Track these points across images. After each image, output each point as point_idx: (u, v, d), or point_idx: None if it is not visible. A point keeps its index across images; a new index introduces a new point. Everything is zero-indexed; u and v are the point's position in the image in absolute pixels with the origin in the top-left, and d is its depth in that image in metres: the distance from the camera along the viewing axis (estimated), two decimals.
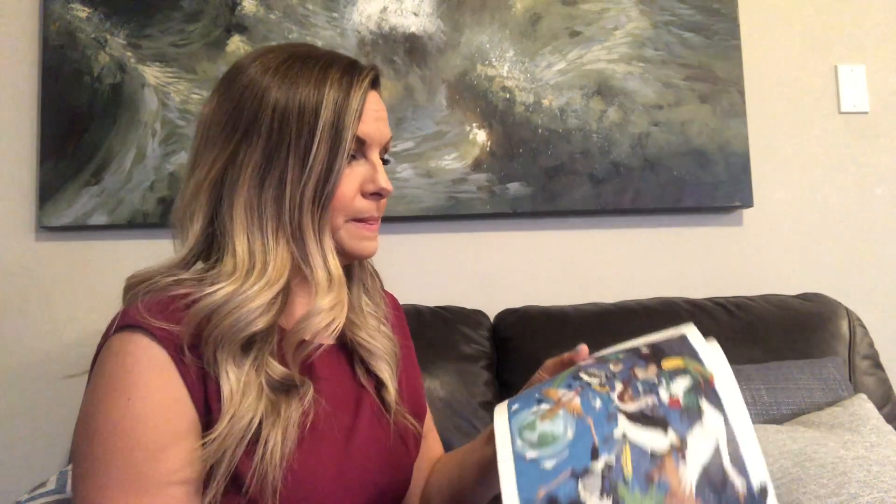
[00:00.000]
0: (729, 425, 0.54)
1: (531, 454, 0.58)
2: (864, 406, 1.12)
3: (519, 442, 0.59)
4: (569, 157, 1.53)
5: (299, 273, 0.68)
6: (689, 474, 0.53)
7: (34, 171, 1.50)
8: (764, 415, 1.16)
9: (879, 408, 1.16)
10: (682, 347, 0.63)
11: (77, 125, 1.49)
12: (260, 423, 0.61)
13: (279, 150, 0.66)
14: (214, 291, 0.62)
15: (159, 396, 0.59)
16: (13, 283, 1.49)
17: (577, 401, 0.61)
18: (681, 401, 0.57)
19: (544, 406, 0.61)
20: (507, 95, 1.54)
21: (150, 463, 0.57)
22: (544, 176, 1.52)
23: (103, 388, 0.60)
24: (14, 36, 1.53)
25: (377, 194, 0.72)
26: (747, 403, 1.17)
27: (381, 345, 0.78)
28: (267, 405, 0.62)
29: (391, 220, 1.50)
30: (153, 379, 0.59)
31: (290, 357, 0.66)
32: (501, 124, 1.53)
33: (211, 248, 0.68)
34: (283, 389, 0.65)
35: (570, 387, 0.62)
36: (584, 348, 0.69)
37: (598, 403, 0.59)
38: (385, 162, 0.75)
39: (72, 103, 1.49)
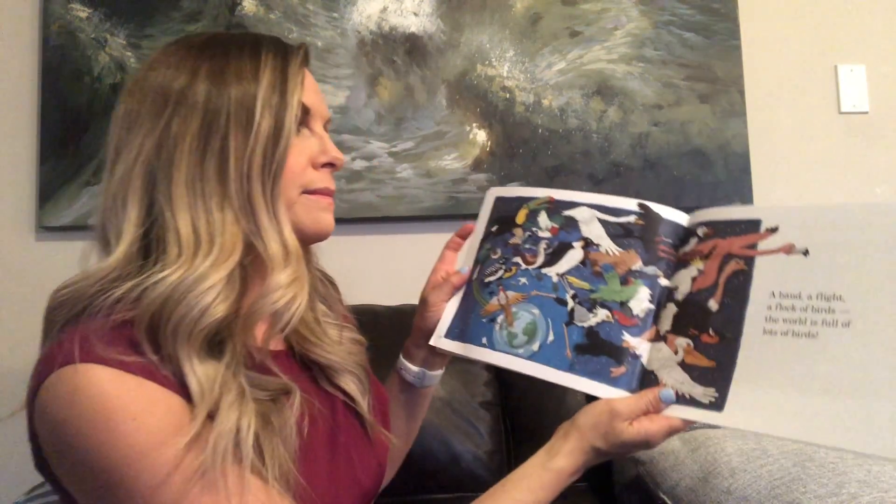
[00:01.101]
0: (589, 205, 0.73)
1: (534, 346, 0.70)
2: None
3: (521, 351, 0.71)
4: (569, 158, 1.53)
5: (252, 252, 0.61)
6: (607, 246, 0.71)
7: (34, 171, 1.50)
8: None
9: None
10: (511, 203, 0.80)
11: (77, 125, 1.48)
12: (256, 436, 0.55)
13: (217, 117, 0.60)
14: (159, 281, 0.55)
15: (165, 402, 0.53)
16: (13, 283, 1.49)
17: (510, 293, 0.74)
18: (555, 225, 0.75)
19: (500, 317, 0.74)
20: (507, 95, 1.54)
21: (191, 451, 0.52)
22: (544, 176, 1.52)
23: (91, 424, 0.50)
24: (14, 36, 1.53)
25: (330, 165, 0.69)
26: None
27: (343, 357, 0.73)
28: (256, 413, 0.56)
29: (391, 220, 1.51)
30: (143, 393, 0.52)
31: (244, 343, 0.59)
32: (501, 124, 1.53)
33: (150, 245, 0.59)
34: (270, 396, 0.59)
35: (492, 293, 0.76)
36: (462, 276, 0.80)
37: (523, 280, 0.74)
38: None
39: (72, 103, 1.49)
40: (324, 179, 0.68)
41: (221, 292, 0.57)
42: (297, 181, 0.65)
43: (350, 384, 0.73)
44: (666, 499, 1.02)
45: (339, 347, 0.73)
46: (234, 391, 0.55)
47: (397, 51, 1.54)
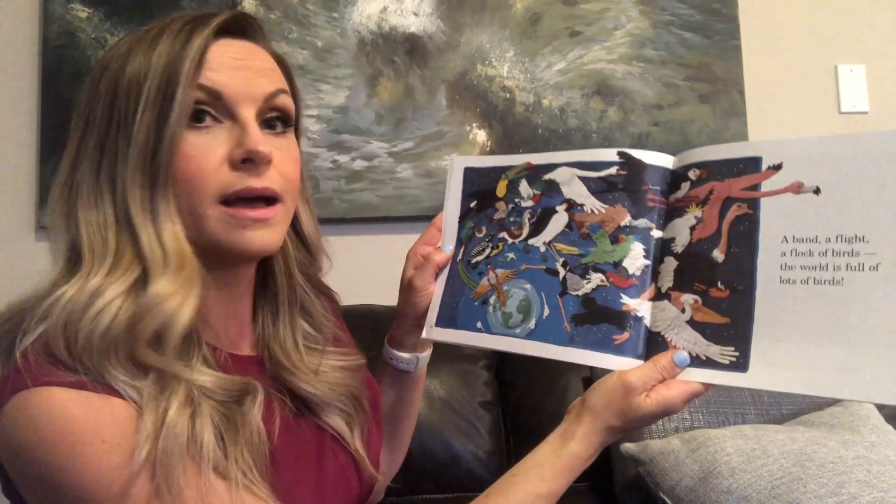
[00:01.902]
0: (568, 163, 0.68)
1: (531, 324, 0.66)
2: (864, 406, 1.12)
3: (518, 331, 0.67)
4: None
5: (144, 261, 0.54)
6: (592, 204, 0.66)
7: (34, 171, 1.50)
8: (764, 415, 1.16)
9: (879, 408, 1.16)
10: (486, 175, 0.75)
11: None
12: (219, 437, 0.52)
13: (109, 131, 0.55)
14: (54, 301, 0.52)
15: (127, 414, 0.49)
16: (13, 283, 1.49)
17: (499, 271, 0.70)
18: (537, 192, 0.70)
19: (492, 298, 0.70)
20: (507, 95, 1.54)
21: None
22: None
23: (56, 447, 0.48)
24: (14, 36, 1.53)
25: (248, 161, 0.55)
26: (747, 404, 1.17)
27: (321, 390, 0.65)
28: (217, 412, 0.53)
29: (391, 220, 1.51)
30: (108, 410, 0.49)
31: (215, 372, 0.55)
32: (501, 124, 1.53)
33: (74, 259, 0.56)
34: (230, 396, 0.55)
35: (482, 274, 0.71)
36: (446, 255, 0.74)
37: (510, 255, 0.70)
38: (287, 124, 0.61)
39: (72, 103, 1.49)
40: (243, 179, 0.55)
41: (123, 307, 0.51)
42: (207, 187, 0.55)
43: (333, 419, 0.65)
44: (666, 499, 1.02)
45: (318, 379, 0.65)
46: (179, 394, 0.51)
47: (397, 51, 1.54)
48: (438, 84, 1.53)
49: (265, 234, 0.57)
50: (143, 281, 0.54)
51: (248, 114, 0.56)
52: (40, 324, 0.52)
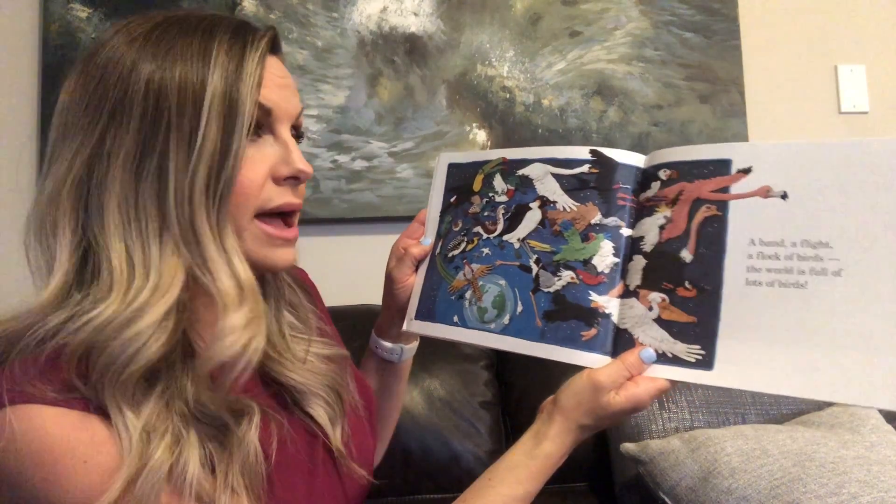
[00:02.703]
0: (542, 160, 0.70)
1: (505, 319, 0.67)
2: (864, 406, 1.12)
3: (492, 326, 0.68)
4: None
5: (196, 286, 0.53)
6: (564, 202, 0.67)
7: (34, 171, 1.50)
8: (764, 415, 1.16)
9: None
10: (466, 170, 0.77)
11: None
12: (209, 462, 0.51)
13: (156, 131, 0.52)
14: (87, 321, 0.49)
15: (110, 444, 0.48)
16: (12, 285, 1.49)
17: (475, 266, 0.71)
18: (511, 187, 0.72)
19: (468, 293, 0.71)
20: (508, 95, 1.54)
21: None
22: None
23: (36, 467, 0.47)
24: (14, 36, 1.53)
25: (293, 178, 0.58)
26: (747, 404, 1.17)
27: (308, 379, 0.64)
28: (209, 437, 0.52)
29: (391, 220, 1.51)
30: (88, 431, 0.48)
31: (209, 392, 0.54)
32: (501, 124, 1.53)
33: (85, 271, 0.53)
34: (218, 421, 0.53)
35: (458, 268, 0.73)
36: (424, 248, 0.76)
37: (486, 251, 0.71)
38: (299, 139, 0.62)
39: None
40: (284, 195, 0.58)
41: (156, 333, 0.50)
42: (251, 201, 0.55)
43: (317, 409, 0.64)
44: (666, 499, 1.02)
45: (304, 367, 0.65)
46: (170, 431, 0.50)
47: (397, 51, 1.54)
48: (438, 84, 1.53)
49: (290, 252, 0.60)
50: (184, 304, 0.52)
51: (288, 130, 0.59)
52: (44, 342, 0.49)
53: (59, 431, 0.47)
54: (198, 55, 0.53)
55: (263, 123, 0.57)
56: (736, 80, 1.57)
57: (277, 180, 0.57)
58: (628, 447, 1.10)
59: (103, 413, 0.49)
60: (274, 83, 0.57)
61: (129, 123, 0.52)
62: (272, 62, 0.58)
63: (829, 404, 1.16)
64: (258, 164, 0.56)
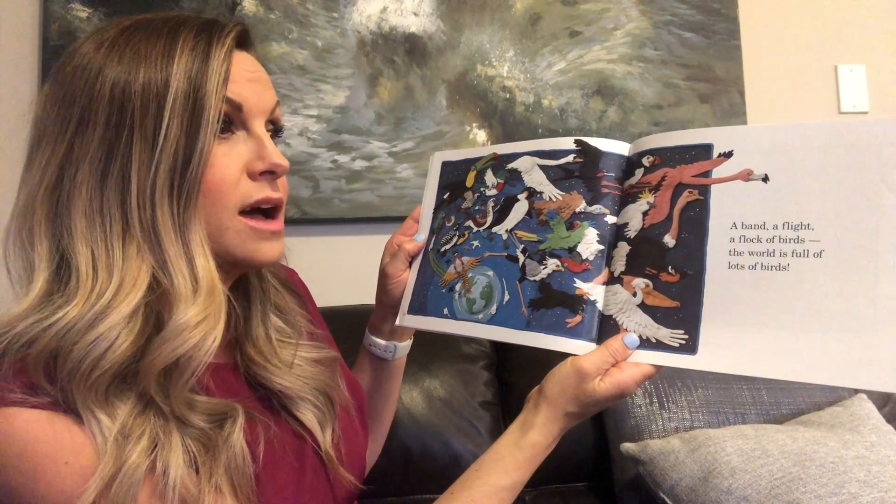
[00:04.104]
0: (529, 153, 0.71)
1: (492, 310, 0.68)
2: (864, 406, 1.12)
3: (480, 316, 0.69)
4: None
5: (161, 286, 0.53)
6: (550, 192, 0.68)
7: None
8: (764, 415, 1.16)
9: (879, 407, 1.16)
10: (459, 168, 0.78)
11: None
12: (193, 465, 0.51)
13: (120, 135, 0.52)
14: (53, 322, 0.49)
15: (89, 447, 0.48)
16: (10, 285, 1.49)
17: (465, 258, 0.72)
18: (500, 181, 0.73)
19: (458, 285, 0.72)
20: (507, 95, 1.54)
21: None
22: None
23: (17, 471, 0.47)
24: (14, 36, 1.53)
25: (269, 173, 0.57)
26: (747, 404, 1.17)
27: (295, 384, 0.63)
28: (194, 440, 0.51)
29: (391, 220, 1.50)
30: (68, 432, 0.48)
31: (156, 389, 0.52)
32: (501, 124, 1.53)
33: (61, 277, 0.53)
34: (209, 420, 0.53)
35: (449, 262, 0.74)
36: (417, 244, 0.76)
37: (475, 243, 0.72)
38: (277, 133, 0.62)
39: None
40: (262, 190, 0.57)
41: (122, 334, 0.50)
42: (228, 198, 0.55)
43: (306, 413, 0.64)
44: (666, 499, 1.02)
45: (292, 372, 0.64)
46: (146, 434, 0.50)
47: (397, 51, 1.54)
48: (438, 84, 1.53)
49: (276, 245, 0.59)
50: (152, 304, 0.52)
51: (262, 125, 0.58)
52: (27, 346, 0.49)
53: (40, 434, 0.47)
54: (161, 56, 0.53)
55: (234, 119, 0.56)
56: (736, 80, 1.57)
57: (253, 175, 0.57)
58: (628, 447, 1.10)
59: (80, 416, 0.49)
60: (243, 77, 0.56)
61: (95, 129, 0.52)
62: (242, 57, 0.58)
63: (830, 404, 1.16)
64: (231, 160, 0.55)
